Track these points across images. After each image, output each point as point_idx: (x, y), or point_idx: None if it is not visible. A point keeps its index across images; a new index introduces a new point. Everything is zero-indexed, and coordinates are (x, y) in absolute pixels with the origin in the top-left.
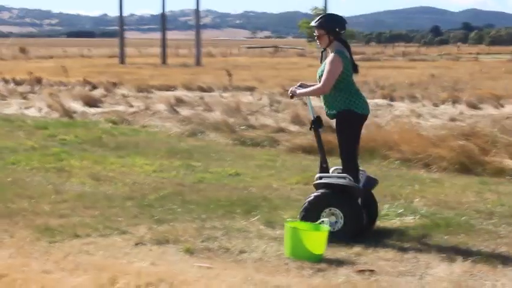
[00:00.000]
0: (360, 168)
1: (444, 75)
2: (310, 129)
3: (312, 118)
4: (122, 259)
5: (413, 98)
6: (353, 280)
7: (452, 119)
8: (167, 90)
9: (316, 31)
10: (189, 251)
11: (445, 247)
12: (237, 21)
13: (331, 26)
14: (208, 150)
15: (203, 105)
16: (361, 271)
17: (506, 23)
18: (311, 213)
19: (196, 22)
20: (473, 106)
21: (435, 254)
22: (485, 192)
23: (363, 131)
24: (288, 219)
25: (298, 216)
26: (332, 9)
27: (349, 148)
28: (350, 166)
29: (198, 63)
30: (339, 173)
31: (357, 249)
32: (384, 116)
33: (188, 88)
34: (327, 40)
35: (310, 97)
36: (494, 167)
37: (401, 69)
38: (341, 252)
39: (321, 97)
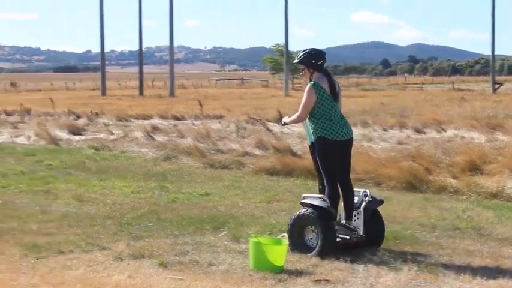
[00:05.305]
0: (358, 189)
1: (392, 103)
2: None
3: (309, 144)
4: (102, 273)
5: (365, 124)
6: None
7: (400, 143)
8: (144, 119)
9: (299, 66)
10: (163, 265)
11: (393, 258)
12: (208, 56)
13: (308, 60)
14: (181, 172)
15: (176, 132)
16: (318, 280)
17: (448, 56)
18: (295, 229)
19: (170, 57)
20: (419, 131)
21: (384, 264)
22: (428, 208)
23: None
24: (251, 235)
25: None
26: (292, 45)
27: (327, 173)
28: (329, 191)
29: (172, 94)
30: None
31: (314, 260)
32: None
33: (163, 117)
34: (308, 73)
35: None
36: (437, 185)
37: (355, 98)
38: (300, 264)
39: (304, 128)
